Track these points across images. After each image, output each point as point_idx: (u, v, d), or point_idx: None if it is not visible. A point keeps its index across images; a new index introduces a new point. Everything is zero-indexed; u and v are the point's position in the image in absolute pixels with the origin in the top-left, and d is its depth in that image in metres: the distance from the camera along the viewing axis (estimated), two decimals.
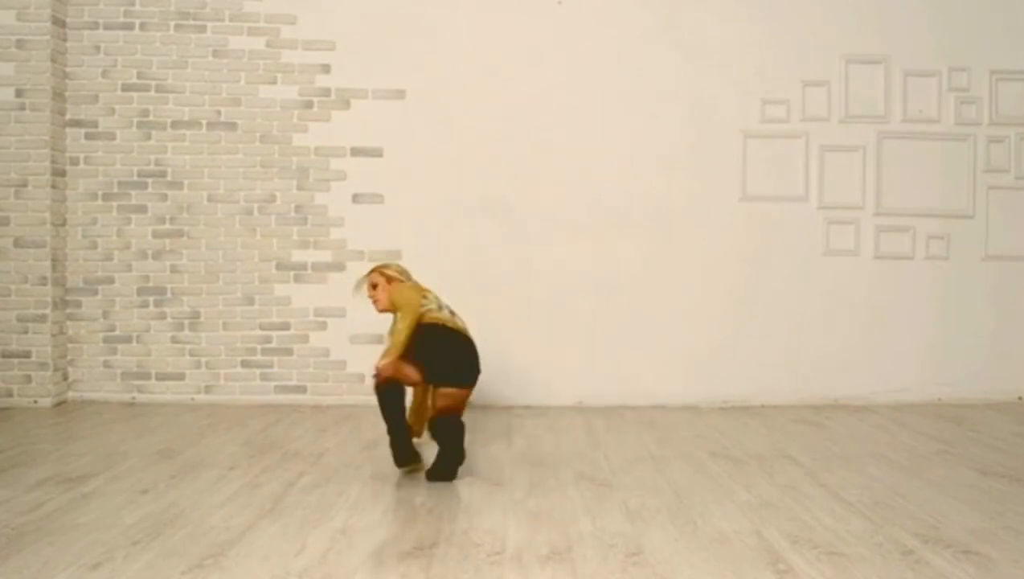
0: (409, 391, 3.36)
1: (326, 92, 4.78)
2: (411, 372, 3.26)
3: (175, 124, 4.76)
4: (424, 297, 3.37)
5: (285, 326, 4.79)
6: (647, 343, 4.81)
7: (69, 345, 4.77)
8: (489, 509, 2.90)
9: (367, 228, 4.77)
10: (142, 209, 4.77)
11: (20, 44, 4.59)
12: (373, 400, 4.71)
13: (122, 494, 3.01)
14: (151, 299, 4.77)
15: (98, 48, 4.74)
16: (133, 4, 4.74)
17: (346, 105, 4.78)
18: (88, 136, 4.75)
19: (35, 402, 4.60)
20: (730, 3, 4.85)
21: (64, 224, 4.75)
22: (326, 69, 4.77)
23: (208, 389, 4.78)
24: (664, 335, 4.81)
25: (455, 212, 4.77)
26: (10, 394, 4.62)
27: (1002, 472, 3.38)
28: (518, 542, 2.57)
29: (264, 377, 4.79)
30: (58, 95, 4.66)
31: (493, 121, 4.77)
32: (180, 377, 4.78)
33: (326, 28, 4.77)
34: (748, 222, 4.85)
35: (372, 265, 3.64)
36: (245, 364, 4.79)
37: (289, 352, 4.79)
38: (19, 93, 4.59)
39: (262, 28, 4.76)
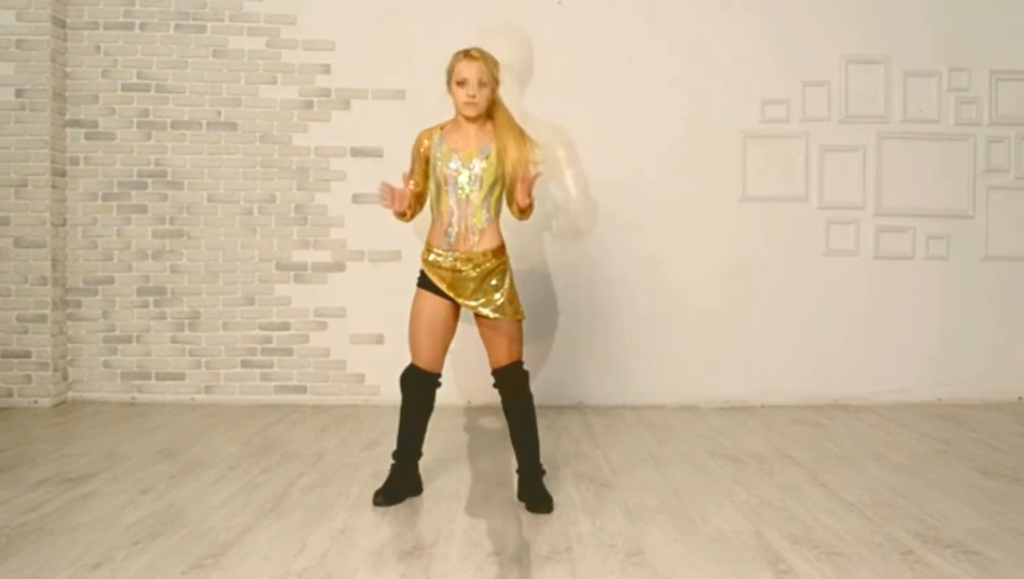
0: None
1: (326, 92, 4.78)
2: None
3: (175, 124, 4.76)
4: None
5: (285, 326, 4.79)
6: (647, 343, 4.81)
7: (69, 345, 4.77)
8: (489, 509, 2.90)
9: (367, 228, 4.76)
10: (142, 209, 4.77)
11: (20, 44, 4.59)
12: (373, 399, 4.80)
13: (122, 494, 3.01)
14: (151, 299, 4.78)
15: (98, 48, 4.74)
16: (133, 4, 4.74)
17: (346, 105, 4.78)
18: (88, 136, 4.75)
19: (35, 402, 4.60)
20: (730, 3, 4.85)
21: (64, 224, 4.75)
22: (326, 69, 4.77)
23: (208, 389, 4.78)
24: (664, 335, 4.81)
25: None
26: (10, 394, 4.62)
27: (1002, 472, 3.38)
28: (518, 542, 2.57)
29: (264, 377, 4.79)
30: (58, 95, 4.66)
31: None
32: (180, 377, 4.78)
33: (326, 28, 4.77)
34: (748, 222, 4.85)
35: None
36: (245, 364, 4.79)
37: (289, 352, 4.79)
38: (19, 93, 4.59)
39: (262, 28, 4.76)
